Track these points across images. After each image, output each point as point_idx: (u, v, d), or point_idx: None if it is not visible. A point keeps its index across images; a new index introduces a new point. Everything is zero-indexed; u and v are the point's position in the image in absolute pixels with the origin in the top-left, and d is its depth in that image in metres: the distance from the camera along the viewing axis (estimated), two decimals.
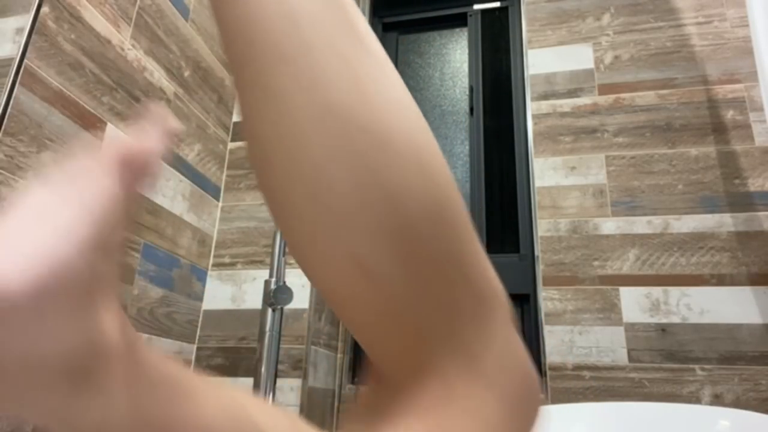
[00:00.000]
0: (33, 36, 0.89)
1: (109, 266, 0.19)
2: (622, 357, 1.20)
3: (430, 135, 0.23)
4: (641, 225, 1.29)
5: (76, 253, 0.17)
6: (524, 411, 0.24)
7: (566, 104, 1.45)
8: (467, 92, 1.74)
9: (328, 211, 0.21)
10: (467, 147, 1.68)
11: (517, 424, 0.24)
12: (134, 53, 1.14)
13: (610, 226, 1.31)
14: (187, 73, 1.32)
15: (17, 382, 0.17)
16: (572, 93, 1.45)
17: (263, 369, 0.92)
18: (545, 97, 1.47)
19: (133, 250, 1.11)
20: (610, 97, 1.42)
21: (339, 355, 1.46)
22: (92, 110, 1.02)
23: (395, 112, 0.22)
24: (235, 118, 1.53)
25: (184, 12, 1.33)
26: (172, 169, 1.25)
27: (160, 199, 1.20)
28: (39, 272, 0.16)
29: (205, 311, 1.34)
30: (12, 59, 0.86)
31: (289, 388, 1.22)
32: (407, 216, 0.21)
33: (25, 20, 0.88)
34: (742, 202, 1.25)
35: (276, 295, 0.95)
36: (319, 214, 0.21)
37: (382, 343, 0.23)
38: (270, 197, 0.23)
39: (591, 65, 1.46)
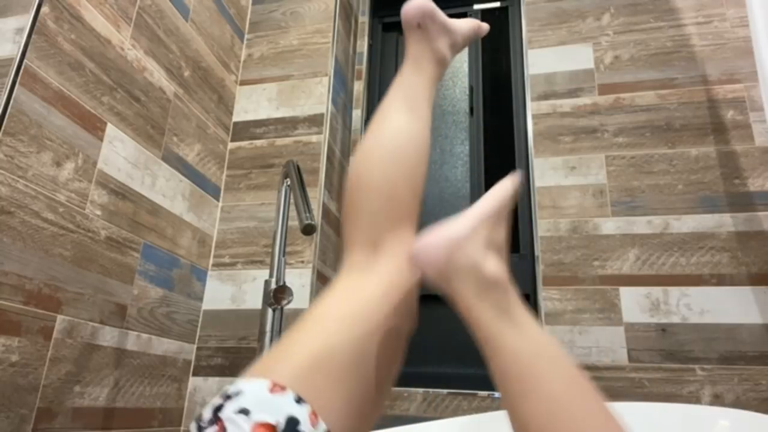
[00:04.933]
0: (33, 36, 0.89)
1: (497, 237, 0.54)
2: (622, 357, 1.20)
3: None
4: (641, 225, 1.29)
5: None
6: (407, 302, 0.53)
7: (566, 104, 1.45)
8: (467, 92, 1.74)
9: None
10: (467, 147, 1.68)
11: (400, 302, 0.52)
12: (134, 53, 1.14)
13: (610, 226, 1.31)
14: (187, 73, 1.32)
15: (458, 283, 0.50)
16: (572, 93, 1.45)
17: None
18: (545, 97, 1.47)
19: (133, 250, 1.11)
20: (610, 97, 1.42)
21: None
22: (92, 110, 1.02)
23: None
24: (235, 118, 1.53)
25: (184, 12, 1.33)
26: (172, 169, 1.25)
27: (160, 199, 1.20)
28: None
29: (205, 311, 1.34)
30: (12, 59, 0.86)
31: None
32: None
33: (25, 20, 0.88)
34: (742, 202, 1.25)
35: (276, 295, 0.95)
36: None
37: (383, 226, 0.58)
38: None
39: (591, 65, 1.46)
